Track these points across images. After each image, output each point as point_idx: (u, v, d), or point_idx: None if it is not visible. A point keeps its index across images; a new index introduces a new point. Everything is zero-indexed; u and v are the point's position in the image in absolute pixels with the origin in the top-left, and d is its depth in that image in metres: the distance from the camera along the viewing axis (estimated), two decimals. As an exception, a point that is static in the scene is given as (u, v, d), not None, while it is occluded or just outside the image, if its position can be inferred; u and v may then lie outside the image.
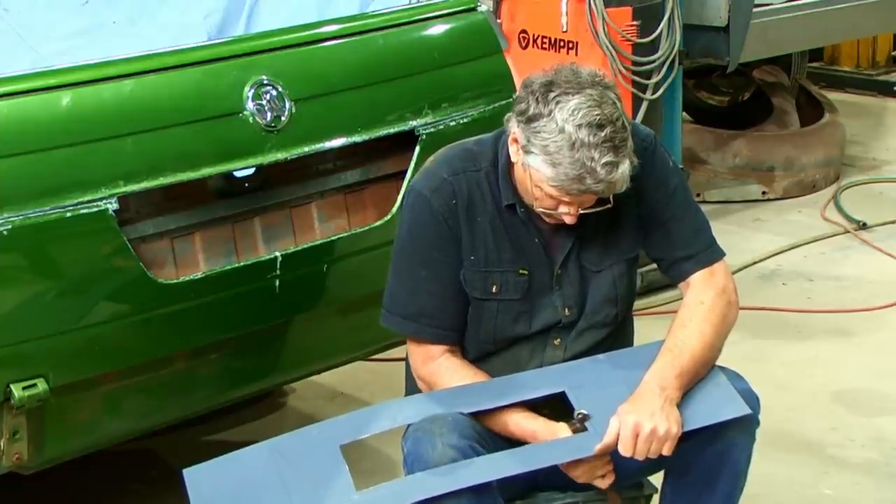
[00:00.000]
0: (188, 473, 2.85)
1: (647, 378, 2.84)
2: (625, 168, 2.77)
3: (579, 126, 2.72)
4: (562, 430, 2.86)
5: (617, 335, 3.07)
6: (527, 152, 2.80)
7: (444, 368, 2.98)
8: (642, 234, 3.02)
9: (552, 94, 2.76)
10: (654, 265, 3.13)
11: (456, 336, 3.00)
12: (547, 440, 2.85)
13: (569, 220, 2.86)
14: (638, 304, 3.84)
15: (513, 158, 2.88)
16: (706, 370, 2.91)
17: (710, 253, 3.03)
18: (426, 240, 2.96)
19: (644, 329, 3.20)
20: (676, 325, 2.94)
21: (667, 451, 2.78)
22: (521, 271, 2.96)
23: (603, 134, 2.73)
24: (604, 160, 2.73)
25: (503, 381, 2.95)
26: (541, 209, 2.86)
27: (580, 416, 2.84)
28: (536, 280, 2.97)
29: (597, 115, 2.73)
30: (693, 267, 3.01)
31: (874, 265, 5.74)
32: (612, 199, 2.85)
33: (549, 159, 2.75)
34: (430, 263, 2.96)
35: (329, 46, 3.57)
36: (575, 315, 3.00)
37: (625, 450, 2.77)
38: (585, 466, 2.86)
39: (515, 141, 2.84)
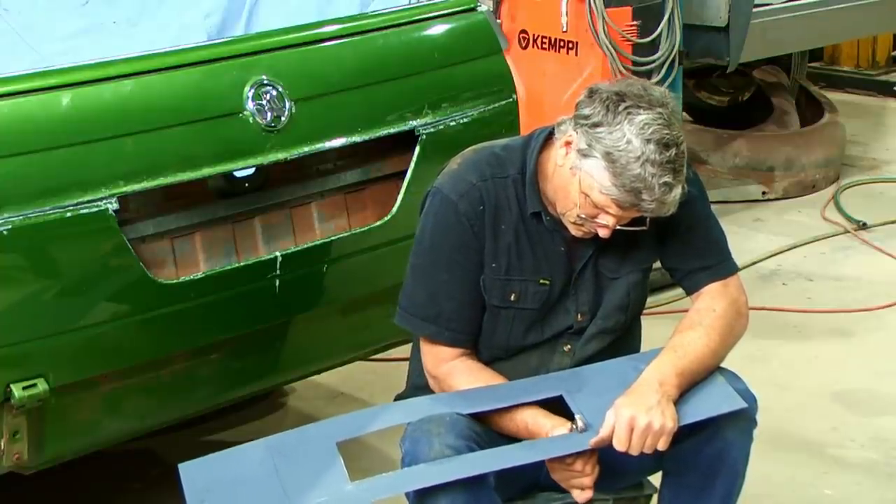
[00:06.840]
0: (183, 468, 2.85)
1: (645, 373, 2.84)
2: (677, 192, 2.76)
3: (648, 141, 2.71)
4: None
5: (624, 341, 3.06)
6: (585, 156, 2.77)
7: (459, 370, 2.96)
8: (660, 243, 3.01)
9: (623, 105, 2.74)
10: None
11: (472, 340, 2.99)
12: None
13: (604, 233, 2.84)
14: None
15: (559, 161, 2.85)
16: (705, 375, 2.90)
17: (726, 265, 3.03)
18: (449, 244, 2.93)
19: (645, 329, 3.19)
20: (684, 327, 2.93)
21: (662, 446, 2.77)
22: (542, 281, 2.95)
23: (668, 154, 2.72)
24: (664, 180, 2.72)
25: (503, 386, 2.94)
26: (577, 216, 2.83)
27: (580, 421, 2.82)
28: (556, 288, 2.96)
29: (666, 134, 2.73)
30: (707, 279, 3.00)
31: (874, 265, 5.74)
32: (647, 221, 2.84)
33: (611, 167, 2.73)
34: (451, 267, 2.94)
35: (329, 46, 3.57)
36: (587, 320, 3.00)
37: (619, 443, 2.76)
38: (567, 473, 2.84)
39: (568, 144, 2.82)
